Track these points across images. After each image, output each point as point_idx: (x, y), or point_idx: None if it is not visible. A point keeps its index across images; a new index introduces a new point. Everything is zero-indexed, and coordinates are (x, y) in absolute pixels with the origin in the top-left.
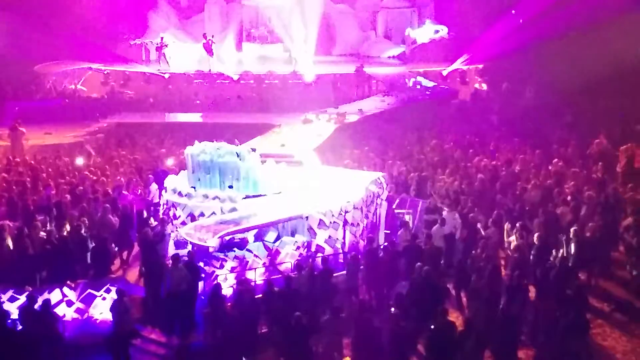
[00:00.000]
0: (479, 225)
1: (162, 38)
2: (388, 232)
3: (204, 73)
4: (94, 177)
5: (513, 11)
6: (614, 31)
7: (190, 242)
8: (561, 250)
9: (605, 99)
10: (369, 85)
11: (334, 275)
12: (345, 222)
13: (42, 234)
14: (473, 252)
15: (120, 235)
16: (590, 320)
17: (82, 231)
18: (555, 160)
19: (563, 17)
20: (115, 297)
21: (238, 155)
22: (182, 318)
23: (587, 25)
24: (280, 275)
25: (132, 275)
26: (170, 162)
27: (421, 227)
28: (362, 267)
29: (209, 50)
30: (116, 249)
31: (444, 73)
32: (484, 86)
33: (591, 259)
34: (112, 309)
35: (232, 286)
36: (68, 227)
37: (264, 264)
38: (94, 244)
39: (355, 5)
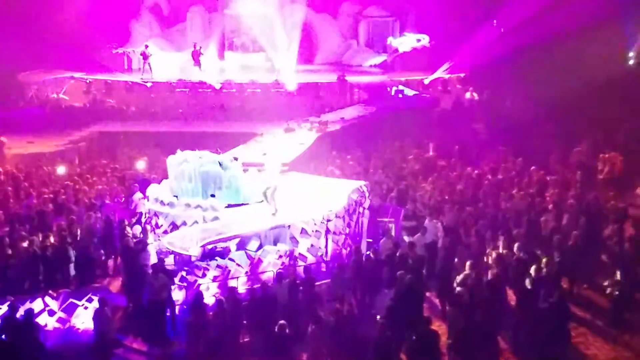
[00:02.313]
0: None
1: (146, 46)
2: (370, 240)
3: (186, 82)
4: (76, 186)
5: (494, 21)
6: (596, 39)
7: (173, 251)
8: (544, 259)
9: (588, 107)
10: (350, 94)
11: (316, 284)
12: (328, 231)
13: (25, 243)
14: (455, 260)
15: (105, 243)
16: (572, 329)
17: (65, 240)
18: (535, 168)
19: (545, 25)
20: (97, 306)
21: (220, 164)
22: (163, 326)
23: (569, 33)
24: (261, 284)
25: (116, 284)
26: (141, 165)
27: (402, 235)
28: (345, 275)
29: (196, 59)
30: (103, 257)
31: (426, 82)
32: (475, 95)
33: (574, 267)
34: (94, 318)
35: (214, 295)
36: (51, 236)
37: (246, 272)
38: (76, 253)
39: (337, 14)
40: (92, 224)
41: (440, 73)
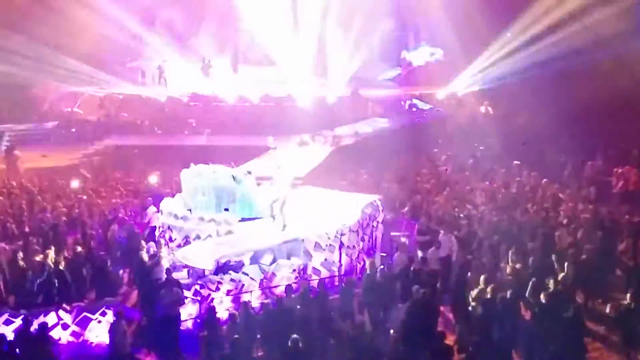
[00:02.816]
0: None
1: (164, 61)
2: (384, 254)
3: (200, 96)
4: (90, 200)
5: (509, 34)
6: (610, 53)
7: (186, 265)
8: (558, 273)
9: (602, 121)
10: (364, 108)
11: (330, 298)
12: (342, 245)
13: (37, 257)
14: (469, 274)
15: (127, 256)
16: (587, 344)
17: (80, 254)
18: (549, 182)
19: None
20: (112, 319)
21: (234, 178)
22: (176, 341)
23: (583, 47)
24: (275, 298)
25: (132, 297)
26: (154, 179)
27: (416, 249)
28: (357, 290)
29: (206, 73)
30: (121, 271)
31: (440, 96)
32: (490, 109)
33: (588, 281)
34: (109, 331)
35: (228, 309)
36: (65, 250)
37: (260, 286)
38: (93, 267)
39: (352, 28)
40: (116, 238)
41: (455, 87)
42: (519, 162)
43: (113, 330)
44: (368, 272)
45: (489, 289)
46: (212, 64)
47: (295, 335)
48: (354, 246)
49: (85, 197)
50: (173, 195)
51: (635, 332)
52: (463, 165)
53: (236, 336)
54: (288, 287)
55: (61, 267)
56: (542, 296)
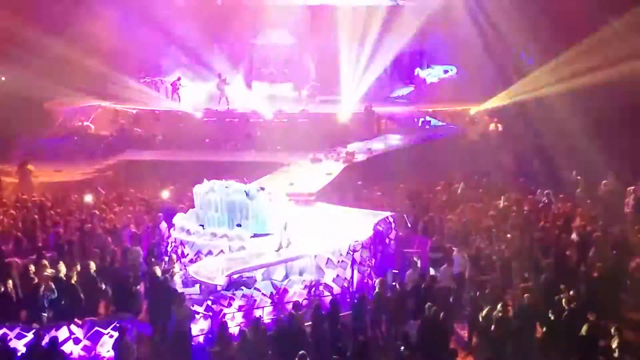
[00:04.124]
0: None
1: (179, 77)
2: (396, 271)
3: (213, 111)
4: (103, 215)
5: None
6: (623, 69)
7: (198, 280)
8: (570, 291)
9: (614, 138)
10: (377, 125)
11: (342, 314)
12: (354, 262)
13: (49, 271)
14: (478, 293)
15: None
16: None
17: (92, 271)
18: (562, 198)
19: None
20: (116, 335)
21: (247, 194)
22: (188, 357)
23: (596, 63)
24: (287, 314)
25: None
26: (167, 194)
27: (428, 266)
28: (369, 306)
29: (222, 89)
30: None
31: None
32: (499, 126)
33: (600, 299)
34: (113, 347)
35: (239, 325)
36: (78, 265)
37: (272, 302)
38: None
39: (365, 45)
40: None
41: (468, 104)
42: (531, 180)
43: (117, 345)
44: (377, 290)
45: (500, 307)
46: (228, 80)
47: (302, 352)
48: (366, 263)
49: (98, 212)
50: (186, 211)
51: None
52: (476, 183)
53: (247, 352)
54: (300, 303)
55: (73, 282)
56: (554, 314)
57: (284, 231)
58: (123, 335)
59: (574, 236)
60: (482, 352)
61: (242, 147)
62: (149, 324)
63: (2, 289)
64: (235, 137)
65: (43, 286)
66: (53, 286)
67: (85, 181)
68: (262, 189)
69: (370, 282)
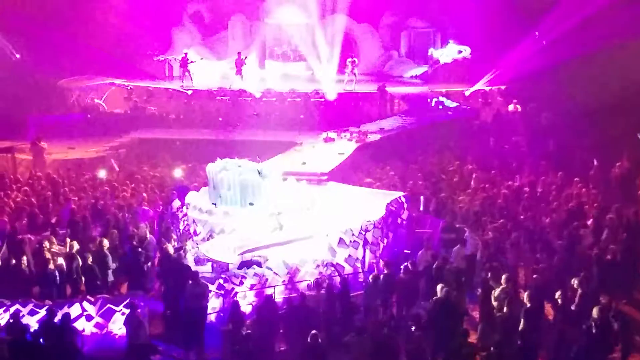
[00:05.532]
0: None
1: (186, 54)
2: (408, 252)
3: (227, 90)
4: (116, 193)
5: (536, 33)
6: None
7: (211, 259)
8: (583, 273)
9: (629, 121)
10: (391, 105)
11: (353, 294)
12: (366, 242)
13: (56, 248)
14: (489, 274)
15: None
16: (612, 344)
17: (105, 249)
18: (575, 181)
19: (587, 37)
20: (128, 310)
21: (259, 173)
22: (200, 334)
23: (611, 45)
24: (298, 293)
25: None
26: (180, 172)
27: (440, 247)
28: (380, 287)
29: (239, 68)
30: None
31: (467, 93)
32: (519, 107)
33: (613, 282)
34: (125, 323)
35: (251, 303)
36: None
37: (284, 281)
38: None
39: (379, 25)
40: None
41: (482, 85)
42: (544, 161)
43: (128, 321)
44: (386, 272)
45: (511, 288)
46: (246, 60)
47: (314, 331)
48: (378, 243)
49: (110, 189)
50: (199, 189)
51: None
52: (489, 163)
53: (259, 331)
54: (320, 281)
55: (90, 262)
56: (566, 296)
57: (277, 215)
58: (134, 311)
59: (587, 218)
60: (491, 333)
61: (254, 126)
62: (161, 302)
63: (16, 266)
64: (247, 116)
65: (56, 263)
66: (61, 262)
67: (99, 158)
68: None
69: (382, 262)
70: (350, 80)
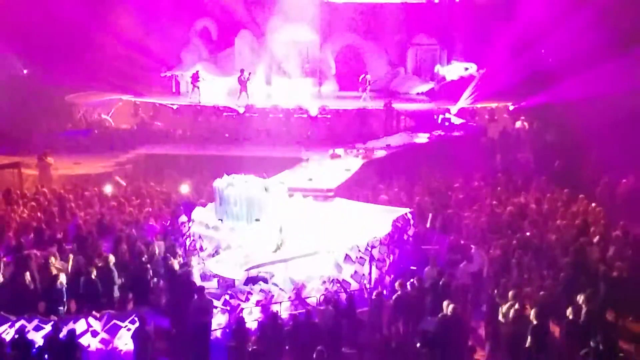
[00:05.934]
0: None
1: (197, 71)
2: (414, 268)
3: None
4: (122, 208)
5: (542, 50)
6: None
7: (217, 275)
8: (589, 290)
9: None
10: (397, 121)
11: (359, 310)
12: (372, 258)
13: (60, 264)
14: (495, 291)
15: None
16: None
17: (111, 264)
18: (581, 198)
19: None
20: (136, 325)
21: (266, 189)
22: (206, 350)
23: (616, 62)
24: (304, 310)
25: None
26: (186, 188)
27: (446, 263)
28: (387, 303)
29: (243, 85)
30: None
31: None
32: (526, 125)
33: (619, 299)
34: (133, 337)
35: (257, 319)
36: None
37: (290, 297)
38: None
39: (385, 42)
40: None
41: (487, 102)
42: (550, 178)
43: (137, 335)
44: (399, 292)
45: (518, 305)
46: (249, 77)
47: (320, 347)
48: (384, 259)
49: (116, 204)
50: (205, 205)
51: None
52: (494, 180)
53: (264, 347)
54: (330, 297)
55: (93, 277)
56: (572, 314)
57: (280, 233)
58: (143, 325)
59: (593, 235)
60: (498, 350)
61: (261, 142)
62: (167, 318)
63: (21, 281)
64: (254, 132)
65: (62, 278)
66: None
67: (105, 174)
68: (282, 183)
69: (388, 278)
70: (367, 97)
